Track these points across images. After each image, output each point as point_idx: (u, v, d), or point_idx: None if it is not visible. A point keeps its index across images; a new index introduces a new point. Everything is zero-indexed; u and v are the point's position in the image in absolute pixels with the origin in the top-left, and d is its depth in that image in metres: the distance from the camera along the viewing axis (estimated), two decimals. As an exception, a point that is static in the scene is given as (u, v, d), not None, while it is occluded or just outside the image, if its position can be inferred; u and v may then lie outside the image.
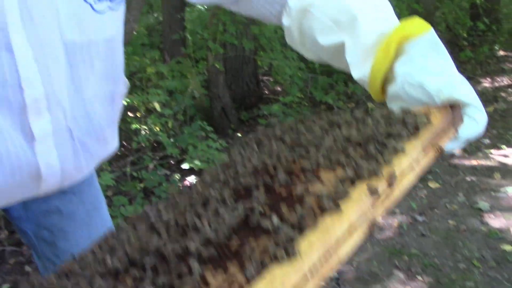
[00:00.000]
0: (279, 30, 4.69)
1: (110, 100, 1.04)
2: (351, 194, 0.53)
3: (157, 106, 3.43)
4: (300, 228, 0.49)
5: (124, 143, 3.76)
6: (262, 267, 0.45)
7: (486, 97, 5.27)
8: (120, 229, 0.59)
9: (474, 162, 3.92)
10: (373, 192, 0.54)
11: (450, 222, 3.13)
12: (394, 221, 3.15)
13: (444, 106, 0.72)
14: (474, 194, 3.43)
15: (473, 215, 3.19)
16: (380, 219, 0.52)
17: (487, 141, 4.28)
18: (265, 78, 5.90)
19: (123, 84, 1.11)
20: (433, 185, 3.58)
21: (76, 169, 1.00)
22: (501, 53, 7.03)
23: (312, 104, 5.17)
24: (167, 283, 0.46)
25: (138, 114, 3.61)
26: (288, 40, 0.99)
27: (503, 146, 4.17)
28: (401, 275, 2.67)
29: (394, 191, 0.56)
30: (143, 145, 3.60)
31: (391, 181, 0.55)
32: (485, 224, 3.09)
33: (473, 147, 4.15)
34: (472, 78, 5.69)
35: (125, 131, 3.59)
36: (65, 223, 1.18)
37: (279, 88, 5.63)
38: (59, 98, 0.90)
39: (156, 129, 3.60)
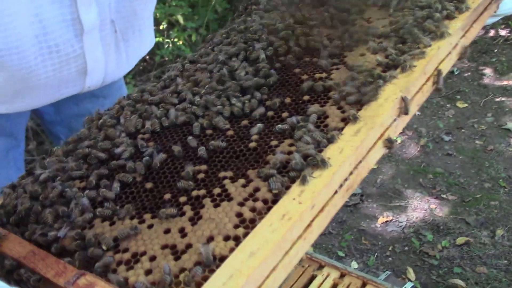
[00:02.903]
0: None
1: None
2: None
3: (180, 18, 3.32)
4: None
5: (147, 57, 3.71)
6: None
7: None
8: None
9: (505, 82, 3.79)
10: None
11: (477, 142, 3.08)
12: (420, 140, 3.11)
13: None
14: (503, 115, 3.35)
15: (501, 136, 3.13)
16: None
17: (520, 61, 4.11)
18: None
19: None
20: (461, 105, 3.49)
21: (118, 64, 1.06)
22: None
23: None
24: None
25: (161, 27, 3.51)
26: None
27: (537, 66, 4.00)
28: (425, 193, 2.67)
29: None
30: (166, 58, 3.55)
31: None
32: (513, 145, 3.03)
33: (505, 67, 4.00)
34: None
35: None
36: None
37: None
38: None
39: (179, 43, 3.52)
